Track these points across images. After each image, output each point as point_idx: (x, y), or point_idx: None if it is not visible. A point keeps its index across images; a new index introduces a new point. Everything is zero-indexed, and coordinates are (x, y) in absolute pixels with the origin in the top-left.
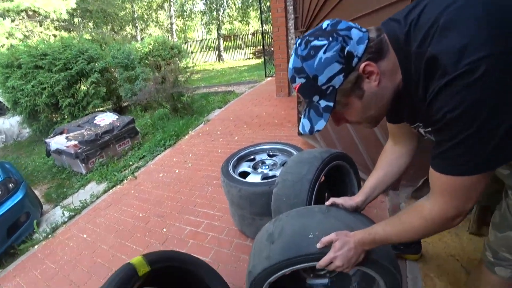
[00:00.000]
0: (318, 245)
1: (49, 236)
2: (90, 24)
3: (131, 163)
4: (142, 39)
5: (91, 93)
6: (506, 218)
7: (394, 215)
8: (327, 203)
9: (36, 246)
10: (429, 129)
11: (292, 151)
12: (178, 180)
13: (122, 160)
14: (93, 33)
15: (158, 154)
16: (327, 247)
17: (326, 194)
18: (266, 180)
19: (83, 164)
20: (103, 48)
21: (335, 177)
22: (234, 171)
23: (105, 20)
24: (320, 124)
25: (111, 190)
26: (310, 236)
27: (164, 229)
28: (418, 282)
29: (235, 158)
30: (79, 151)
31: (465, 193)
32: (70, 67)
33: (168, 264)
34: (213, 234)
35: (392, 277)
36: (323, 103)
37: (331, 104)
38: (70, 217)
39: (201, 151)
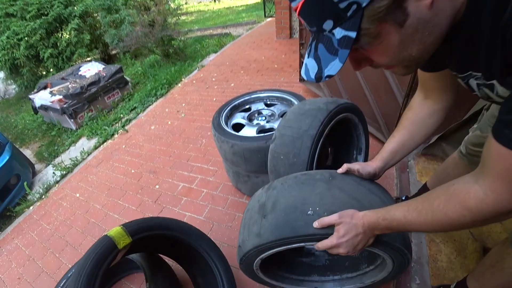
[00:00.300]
0: (315, 224)
1: (43, 197)
2: None
3: (121, 115)
4: None
5: (74, 42)
6: None
7: (421, 197)
8: (340, 170)
9: (31, 208)
10: (493, 81)
11: (292, 100)
12: (171, 133)
13: (113, 113)
14: None
15: (150, 105)
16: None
17: (329, 149)
18: (262, 134)
19: (72, 120)
20: None
21: (340, 130)
22: (227, 124)
23: None
24: (334, 67)
25: (102, 146)
26: (309, 212)
27: (157, 186)
28: (423, 248)
29: (228, 108)
30: (65, 106)
31: None
32: (46, 12)
33: (151, 233)
34: (207, 190)
35: (402, 257)
36: (339, 33)
37: (353, 34)
38: (62, 176)
39: (195, 100)
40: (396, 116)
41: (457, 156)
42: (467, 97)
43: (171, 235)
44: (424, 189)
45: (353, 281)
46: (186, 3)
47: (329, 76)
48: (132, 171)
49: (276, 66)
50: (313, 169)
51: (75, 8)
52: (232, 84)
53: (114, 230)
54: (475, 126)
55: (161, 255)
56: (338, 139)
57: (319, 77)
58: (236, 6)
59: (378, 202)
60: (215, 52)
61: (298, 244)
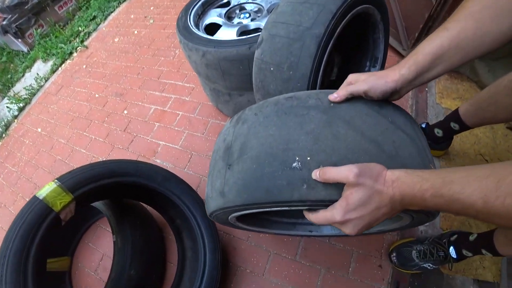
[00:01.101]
0: (315, 175)
1: (3, 135)
2: None
3: (79, 28)
4: None
5: None
6: None
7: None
8: (333, 97)
9: None
10: None
11: None
12: (138, 45)
13: (69, 27)
14: None
15: (112, 12)
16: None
17: (335, 59)
18: (244, 37)
19: (19, 40)
20: None
21: (352, 31)
22: (197, 25)
23: None
24: None
25: (60, 68)
26: (294, 165)
27: (125, 111)
28: None
29: (199, 2)
30: (4, 23)
31: None
32: None
33: (100, 184)
34: (183, 113)
35: (426, 217)
36: None
37: None
38: (20, 109)
39: (166, 1)
40: (422, 19)
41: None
42: None
43: (128, 181)
44: (454, 116)
45: None
46: None
47: None
48: (96, 95)
49: None
50: (317, 88)
51: None
52: None
53: (47, 188)
54: None
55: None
56: (348, 45)
57: None
58: None
59: (407, 144)
60: None
61: (278, 209)
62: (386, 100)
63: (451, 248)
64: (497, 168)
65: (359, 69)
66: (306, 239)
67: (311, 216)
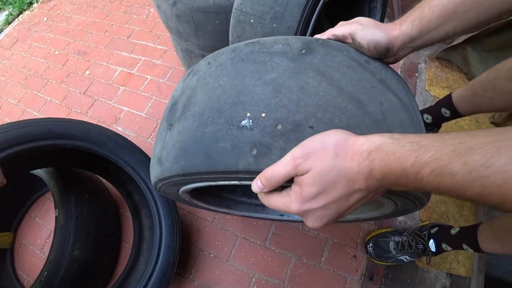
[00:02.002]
0: (255, 188)
1: None
2: None
3: None
4: None
5: None
6: None
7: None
8: (319, 35)
9: None
10: None
11: None
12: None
13: None
14: None
15: None
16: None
17: (324, 28)
18: None
19: None
20: None
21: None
22: None
23: None
24: None
25: (16, 20)
26: (244, 122)
27: (87, 72)
28: None
29: None
30: None
31: None
32: None
33: (34, 145)
34: (152, 77)
35: (413, 204)
36: None
37: None
38: None
39: None
40: None
41: None
42: None
43: (71, 145)
44: (446, 102)
45: None
46: None
47: None
48: (56, 52)
49: None
50: None
51: None
52: None
53: None
54: None
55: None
56: (341, 12)
57: None
58: None
59: (400, 111)
60: None
61: (227, 182)
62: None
63: (431, 241)
64: (484, 135)
65: None
66: (278, 224)
67: (264, 199)
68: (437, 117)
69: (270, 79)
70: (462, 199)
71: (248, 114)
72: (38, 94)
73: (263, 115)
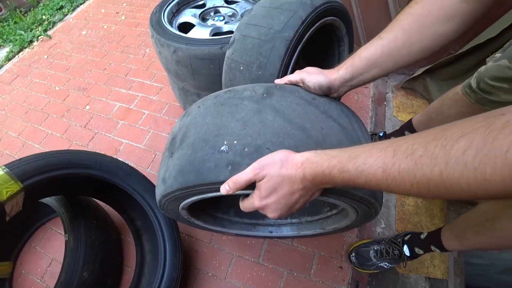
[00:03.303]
0: (224, 189)
1: None
2: None
3: (43, 17)
4: None
5: None
6: None
7: (425, 132)
8: (278, 80)
9: None
10: None
11: None
12: (107, 40)
13: (31, 13)
14: None
15: (81, 4)
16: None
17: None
18: (216, 37)
19: None
20: None
21: (319, 41)
22: (171, 22)
23: None
24: None
25: (17, 56)
26: (222, 148)
27: (87, 107)
28: None
29: (175, 1)
30: None
31: None
32: None
33: (54, 174)
34: (150, 112)
35: (368, 208)
36: None
37: None
38: None
39: None
40: None
41: (460, 91)
42: (480, 25)
43: (86, 174)
44: (408, 126)
45: (312, 226)
46: None
47: None
48: (57, 88)
49: None
50: None
51: None
52: None
53: None
54: (497, 55)
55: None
56: (314, 55)
57: None
58: None
59: (337, 132)
60: None
61: (213, 194)
62: (321, 95)
63: (405, 246)
64: (395, 140)
65: None
66: (270, 242)
67: (241, 205)
68: None
69: (240, 117)
70: (358, 186)
71: (225, 142)
72: (39, 127)
73: (235, 142)
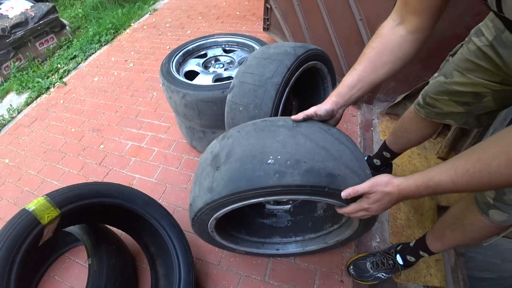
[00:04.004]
0: (343, 194)
1: None
2: None
3: (59, 65)
4: None
5: None
6: None
7: (468, 156)
8: (295, 117)
9: None
10: None
11: (254, 46)
12: (117, 85)
13: (48, 63)
14: None
15: (93, 53)
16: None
17: (293, 103)
18: (218, 83)
19: None
20: None
21: (306, 81)
22: (178, 71)
23: None
24: None
25: (35, 102)
26: (269, 161)
27: (102, 146)
28: None
29: (181, 53)
30: None
31: None
32: None
33: (85, 203)
34: (159, 149)
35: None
36: None
37: None
38: None
39: (146, 47)
40: None
41: (413, 110)
42: (440, 55)
43: (110, 202)
44: (384, 147)
45: (316, 242)
46: None
47: None
48: (72, 129)
49: (238, 13)
50: None
51: None
52: (189, 31)
53: (36, 202)
54: (436, 74)
55: (105, 225)
56: (303, 92)
57: None
58: None
59: (347, 153)
60: None
61: (256, 199)
62: (333, 127)
63: (398, 255)
64: (452, 162)
65: None
66: (274, 261)
67: (344, 210)
68: (383, 160)
69: (279, 139)
70: (437, 194)
71: (271, 157)
72: (57, 165)
73: (279, 157)
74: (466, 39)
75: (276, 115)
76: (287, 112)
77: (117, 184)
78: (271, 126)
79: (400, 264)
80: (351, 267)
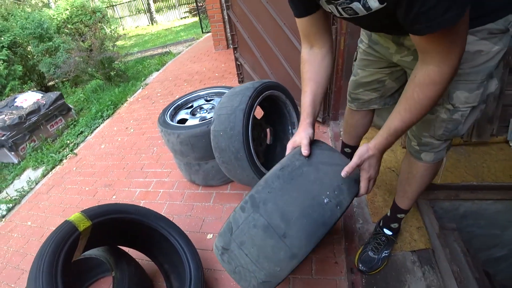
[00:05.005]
0: (343, 174)
1: None
2: None
3: (68, 141)
4: (56, 5)
5: (4, 74)
6: None
7: (400, 101)
8: (304, 153)
9: None
10: (354, 3)
11: (227, 91)
12: (122, 148)
13: (58, 141)
14: None
15: (97, 127)
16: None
17: (268, 129)
18: (203, 121)
19: (12, 153)
20: (7, 20)
21: (273, 109)
22: (172, 120)
23: None
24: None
25: (50, 173)
26: (325, 201)
27: (114, 196)
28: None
29: (172, 107)
30: (3, 138)
31: (460, 37)
32: None
33: (111, 217)
34: (164, 190)
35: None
36: None
37: None
38: (9, 210)
39: (142, 115)
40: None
41: (348, 107)
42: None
43: (129, 218)
44: (343, 145)
45: None
46: (123, 29)
47: None
48: (87, 188)
49: (217, 74)
50: (248, 137)
51: (2, 38)
52: (177, 96)
53: (74, 215)
54: (352, 77)
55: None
56: (273, 119)
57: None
58: (174, 27)
59: (348, 160)
60: (157, 70)
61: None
62: (323, 142)
63: (384, 229)
64: (397, 109)
65: (285, 132)
66: None
67: (361, 191)
68: (346, 155)
69: (312, 179)
70: (397, 138)
71: (323, 197)
72: None
73: (328, 193)
74: (358, 46)
75: (247, 131)
76: (263, 136)
77: (133, 204)
78: (294, 170)
79: (389, 235)
80: (360, 265)
